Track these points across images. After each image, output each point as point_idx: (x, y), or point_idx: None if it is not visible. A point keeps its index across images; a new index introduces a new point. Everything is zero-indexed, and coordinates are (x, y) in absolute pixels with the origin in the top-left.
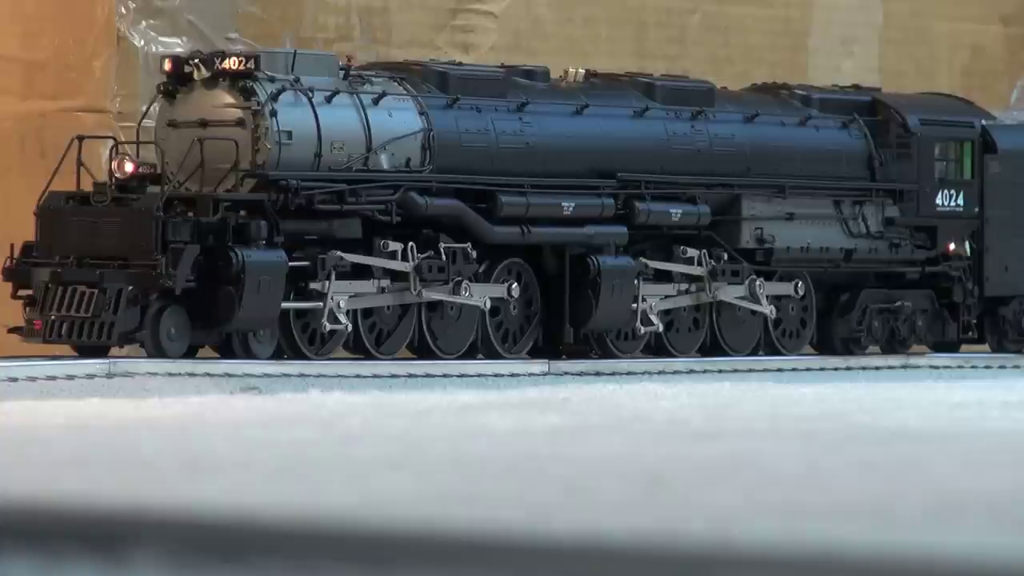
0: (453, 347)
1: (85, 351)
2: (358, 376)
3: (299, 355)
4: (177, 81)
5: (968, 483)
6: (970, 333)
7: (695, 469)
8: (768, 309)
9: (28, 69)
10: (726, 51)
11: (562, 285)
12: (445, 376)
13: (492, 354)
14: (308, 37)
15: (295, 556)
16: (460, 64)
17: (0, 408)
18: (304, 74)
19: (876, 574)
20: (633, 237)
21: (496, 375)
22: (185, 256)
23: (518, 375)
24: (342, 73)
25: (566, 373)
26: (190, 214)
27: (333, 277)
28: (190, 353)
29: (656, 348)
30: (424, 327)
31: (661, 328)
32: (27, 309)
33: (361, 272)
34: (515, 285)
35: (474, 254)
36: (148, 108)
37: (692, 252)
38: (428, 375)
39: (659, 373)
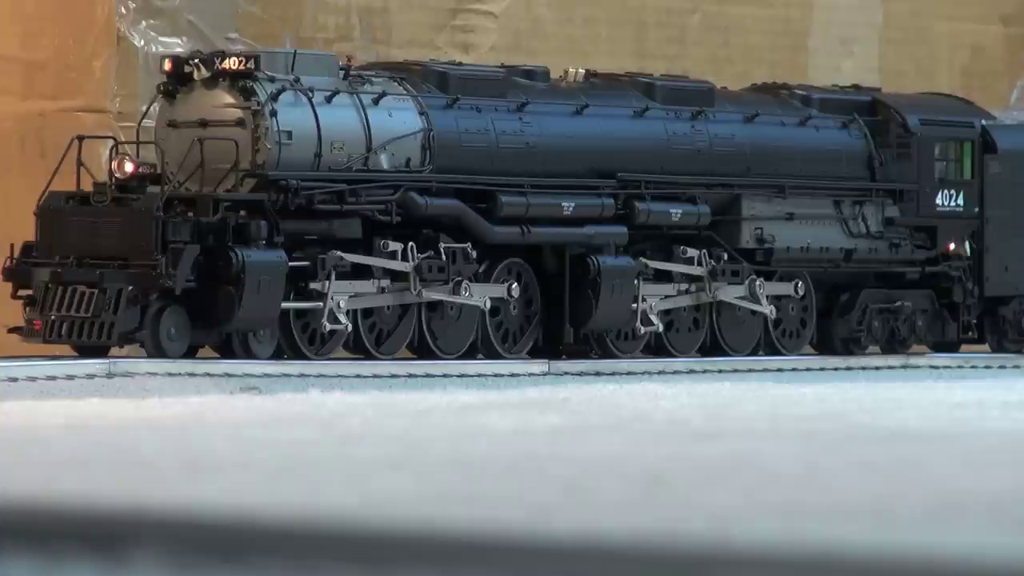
0: (453, 347)
1: (85, 351)
2: (358, 376)
3: (299, 355)
4: (177, 81)
5: (968, 483)
6: (970, 333)
7: (695, 469)
8: (768, 309)
9: (28, 69)
10: (726, 51)
11: (562, 285)
12: (445, 376)
13: (492, 354)
14: (308, 37)
15: (295, 556)
16: (460, 64)
17: (0, 408)
18: (304, 74)
19: (876, 574)
20: (633, 237)
21: (496, 375)
22: (185, 256)
23: (518, 375)
24: (342, 73)
25: (566, 373)
26: (190, 214)
27: (333, 277)
28: (190, 353)
29: (656, 348)
30: (424, 327)
31: (661, 328)
32: (27, 309)
33: (361, 272)
34: (515, 285)
35: (474, 254)
36: (148, 108)
37: (692, 252)
38: (428, 375)
39: (659, 373)
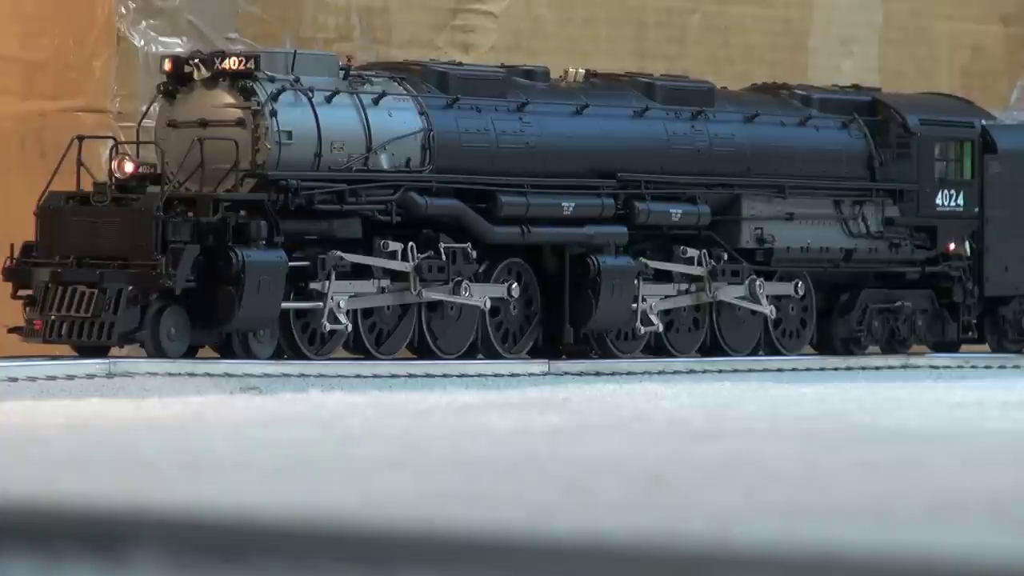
0: (453, 347)
1: (85, 351)
2: (358, 376)
3: (299, 355)
4: (177, 81)
5: (968, 483)
6: (970, 333)
7: (695, 469)
8: (768, 309)
9: (28, 69)
10: (726, 51)
11: (562, 285)
12: (445, 376)
13: (492, 354)
14: (308, 37)
15: (295, 556)
16: (460, 64)
17: (0, 408)
18: (304, 74)
19: (876, 574)
20: (633, 237)
21: (496, 375)
22: (185, 256)
23: (518, 375)
24: (342, 73)
25: (566, 373)
26: (190, 214)
27: (333, 277)
28: (190, 353)
29: (656, 348)
30: (424, 327)
31: (661, 328)
32: (27, 309)
33: (361, 272)
34: (515, 285)
35: (474, 254)
36: (148, 108)
37: (692, 252)
38: (428, 375)
39: (659, 373)
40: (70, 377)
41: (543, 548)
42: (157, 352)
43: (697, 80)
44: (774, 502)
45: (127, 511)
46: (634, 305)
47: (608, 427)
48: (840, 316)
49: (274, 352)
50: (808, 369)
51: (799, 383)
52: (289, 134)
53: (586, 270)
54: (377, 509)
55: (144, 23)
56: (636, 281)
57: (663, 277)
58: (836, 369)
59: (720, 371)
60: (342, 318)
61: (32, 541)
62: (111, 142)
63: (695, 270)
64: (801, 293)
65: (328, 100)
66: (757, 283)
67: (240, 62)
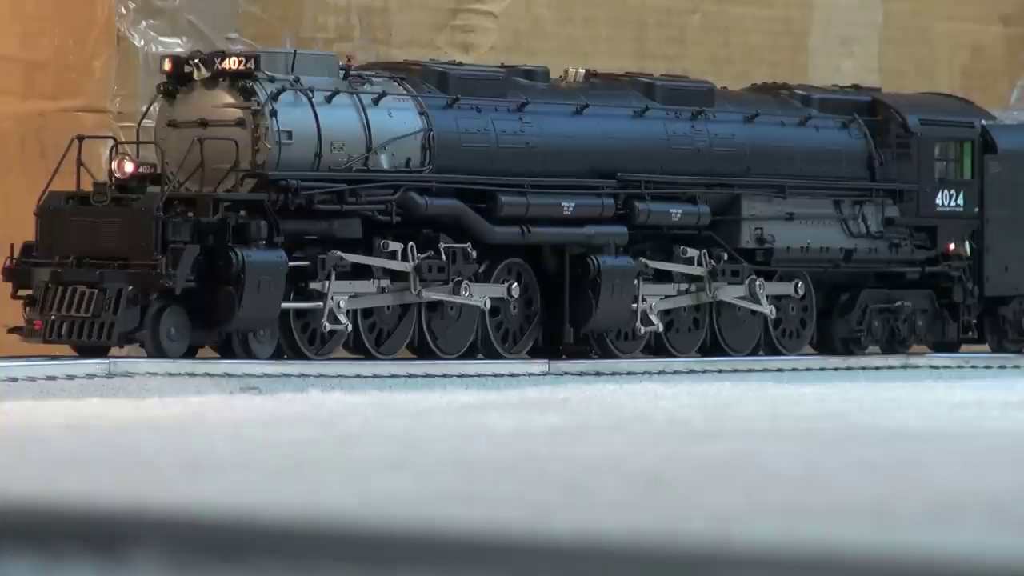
0: (453, 347)
1: (85, 351)
2: (358, 376)
3: (299, 355)
4: (177, 81)
5: (968, 483)
6: (970, 333)
7: (695, 469)
8: (768, 309)
9: (28, 69)
10: (726, 51)
11: (562, 285)
12: (445, 376)
13: (492, 354)
14: (308, 37)
15: (295, 556)
16: (460, 64)
17: (0, 408)
18: (304, 74)
19: (876, 574)
20: (633, 237)
21: (496, 375)
22: (185, 256)
23: (518, 375)
24: (342, 73)
25: (566, 373)
26: (190, 214)
27: (333, 277)
28: (190, 353)
29: (656, 348)
30: (424, 327)
31: (661, 328)
32: (27, 309)
33: (361, 272)
34: (515, 285)
35: (474, 254)
36: (148, 108)
37: (692, 252)
38: (428, 375)
39: (659, 373)
40: (70, 377)
41: (543, 548)
42: (157, 352)
43: (697, 80)
44: (774, 502)
45: (127, 511)
46: (634, 305)
47: (608, 427)
48: (840, 316)
49: (274, 352)
50: (808, 369)
51: (799, 383)
52: (289, 134)
53: (586, 270)
54: (377, 509)
55: (144, 23)
56: (636, 281)
57: (663, 277)
58: (836, 369)
59: (720, 371)
60: (342, 318)
61: (32, 541)
62: (111, 142)
63: (695, 270)
64: (801, 293)
65: (328, 100)
66: (757, 283)
67: (240, 62)
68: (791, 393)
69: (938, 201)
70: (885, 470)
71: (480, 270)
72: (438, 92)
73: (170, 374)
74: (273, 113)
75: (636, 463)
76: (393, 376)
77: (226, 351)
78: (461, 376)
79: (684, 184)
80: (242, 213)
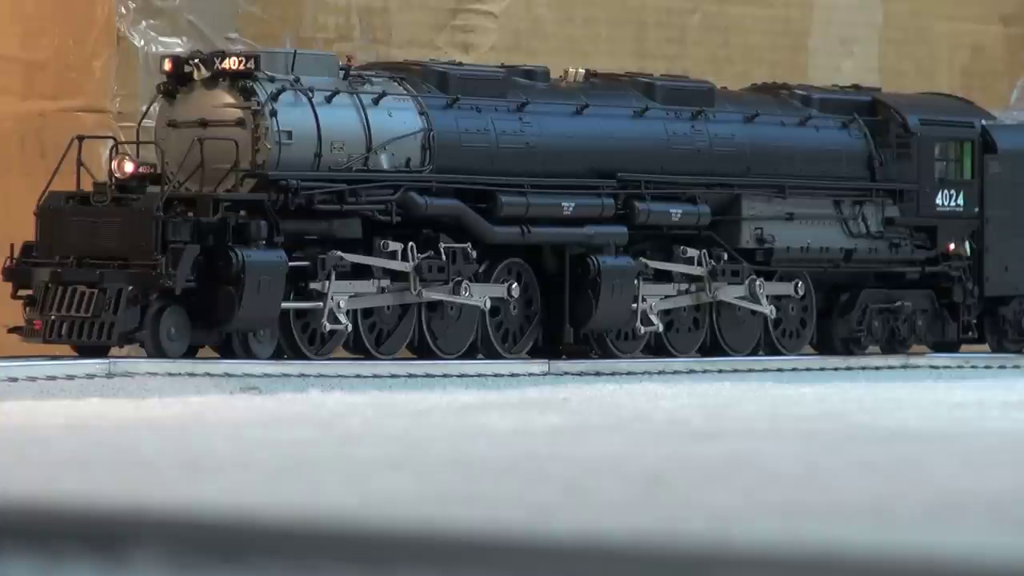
0: (453, 347)
1: (85, 351)
2: (358, 376)
3: (299, 355)
4: (177, 81)
5: (968, 483)
6: (970, 333)
7: (695, 469)
8: (768, 309)
9: (28, 69)
10: (726, 51)
11: (562, 285)
12: (445, 376)
13: (492, 354)
14: (308, 37)
15: (295, 556)
16: (460, 64)
17: (0, 408)
18: (304, 74)
19: (876, 574)
20: (633, 237)
21: (496, 375)
22: (185, 256)
23: (518, 375)
24: (342, 73)
25: (566, 373)
26: (190, 214)
27: (333, 277)
28: (190, 353)
29: (656, 348)
30: (424, 327)
31: (661, 328)
32: (27, 309)
33: (361, 272)
34: (515, 285)
35: (474, 254)
36: (148, 108)
37: (692, 252)
38: (428, 375)
39: (659, 373)
40: (70, 377)
41: (543, 548)
42: (157, 352)
43: (697, 80)
44: (774, 502)
45: (127, 511)
46: (634, 305)
47: (608, 427)
48: (840, 316)
49: (274, 352)
50: (808, 369)
51: (799, 383)
52: (289, 134)
53: (586, 270)
54: (377, 509)
55: (144, 23)
56: (636, 281)
57: (663, 277)
58: (836, 369)
59: (720, 371)
60: (342, 318)
61: (32, 541)
62: (111, 142)
63: (695, 270)
64: (801, 293)
65: (328, 100)
66: (757, 283)
67: (240, 62)
68: (791, 393)
69: (938, 201)
70: (885, 470)
71: (480, 270)
72: (438, 92)
73: (170, 374)
74: (273, 113)
75: (636, 463)
76: (393, 376)
77: (226, 351)
78: (461, 376)
79: (684, 184)
80: (242, 213)
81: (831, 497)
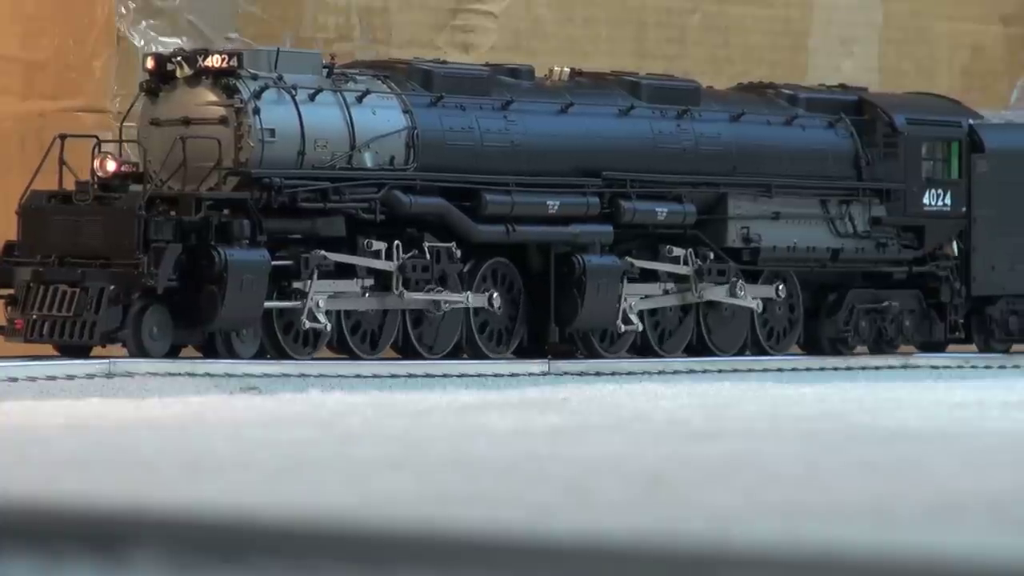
0: (438, 347)
1: (67, 351)
2: (358, 376)
3: (283, 355)
4: (160, 79)
5: (968, 483)
6: (957, 333)
7: (695, 469)
8: (755, 303)
9: (28, 69)
10: (726, 51)
11: (547, 284)
12: (445, 376)
13: (477, 354)
14: (308, 37)
15: (295, 556)
16: (445, 62)
17: (0, 408)
18: (287, 72)
19: (876, 574)
20: (619, 236)
21: (496, 375)
22: (167, 255)
23: (518, 375)
24: (326, 71)
25: (566, 373)
26: (172, 213)
27: (316, 276)
28: (172, 353)
29: (642, 348)
30: (408, 327)
31: (641, 328)
32: (8, 309)
33: (345, 271)
34: (495, 295)
35: (459, 253)
36: (131, 106)
37: (678, 251)
38: (428, 375)
39: (659, 373)
40: (70, 377)
41: (543, 548)
42: (139, 352)
43: (683, 79)
44: (774, 502)
45: (127, 511)
46: (619, 305)
47: (608, 427)
48: (827, 316)
49: (257, 352)
50: (808, 369)
51: (799, 383)
52: (272, 132)
53: (571, 269)
54: (377, 509)
55: (144, 23)
56: (622, 280)
57: (649, 276)
58: (836, 369)
59: (720, 371)
60: (321, 317)
61: (32, 541)
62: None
63: (681, 269)
64: (783, 296)
65: (311, 98)
66: (739, 285)
67: (223, 60)
68: (791, 393)
69: (925, 201)
70: (885, 470)
71: (465, 269)
72: (422, 90)
73: (170, 374)
74: (256, 111)
75: (636, 463)
76: (393, 376)
77: (209, 351)
78: (461, 376)
79: (670, 183)
80: (225, 212)
81: (831, 497)
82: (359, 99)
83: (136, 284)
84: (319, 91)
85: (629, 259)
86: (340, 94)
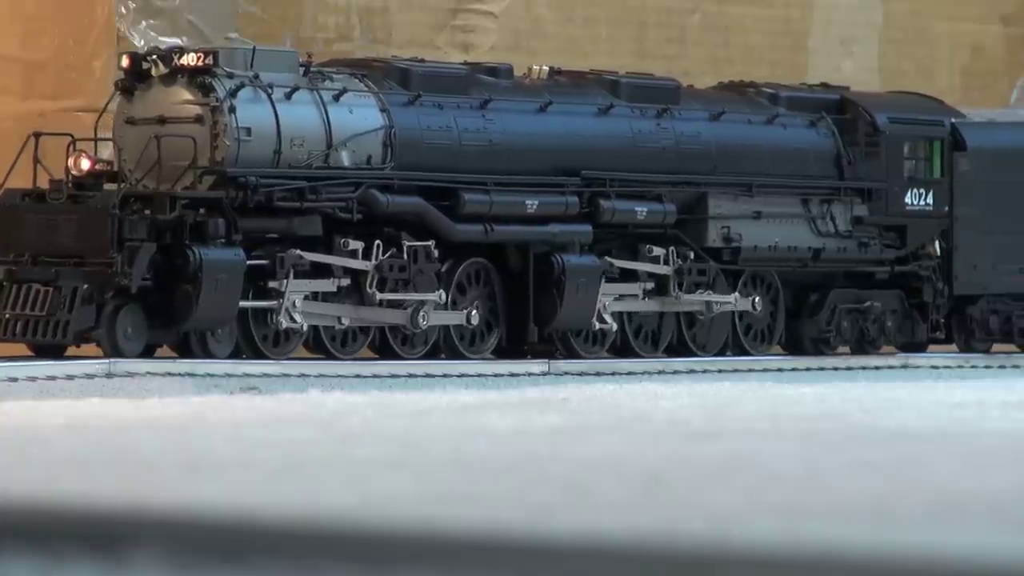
0: (419, 346)
1: (41, 350)
2: (358, 376)
3: (258, 354)
4: (135, 78)
5: (968, 483)
6: (938, 333)
7: (695, 469)
8: (732, 297)
9: (28, 69)
10: (726, 51)
11: (526, 284)
12: (445, 376)
13: (455, 354)
14: (308, 37)
15: (295, 556)
16: (422, 61)
17: (0, 408)
18: (264, 71)
19: (876, 574)
20: (598, 236)
21: (496, 375)
22: (141, 254)
23: (518, 375)
24: (302, 70)
25: (566, 373)
26: (147, 212)
27: (291, 276)
28: (147, 353)
29: (621, 348)
30: (386, 327)
31: (615, 327)
32: None
33: (321, 271)
34: (475, 312)
35: (436, 253)
36: (106, 105)
37: (658, 251)
38: (428, 375)
39: (659, 373)
40: (70, 377)
41: (543, 548)
42: (114, 351)
43: (663, 78)
44: (774, 502)
45: (127, 511)
46: (599, 304)
47: (608, 427)
48: (809, 316)
49: (232, 351)
50: (808, 369)
51: (799, 383)
52: (248, 131)
53: (550, 269)
54: (377, 509)
55: (144, 23)
56: (601, 280)
57: (629, 276)
58: (836, 369)
59: (720, 371)
60: (298, 317)
61: (32, 541)
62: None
63: (661, 269)
64: (759, 309)
65: (288, 96)
66: (715, 303)
67: (198, 58)
68: (791, 393)
69: (907, 200)
70: (885, 470)
71: (443, 269)
72: (400, 89)
73: (170, 374)
74: (232, 109)
75: (636, 463)
76: (393, 376)
77: (184, 350)
78: (461, 376)
79: (650, 182)
80: (200, 211)
81: (831, 497)
82: (336, 98)
83: (110, 283)
84: (295, 90)
85: (608, 259)
86: (317, 93)
